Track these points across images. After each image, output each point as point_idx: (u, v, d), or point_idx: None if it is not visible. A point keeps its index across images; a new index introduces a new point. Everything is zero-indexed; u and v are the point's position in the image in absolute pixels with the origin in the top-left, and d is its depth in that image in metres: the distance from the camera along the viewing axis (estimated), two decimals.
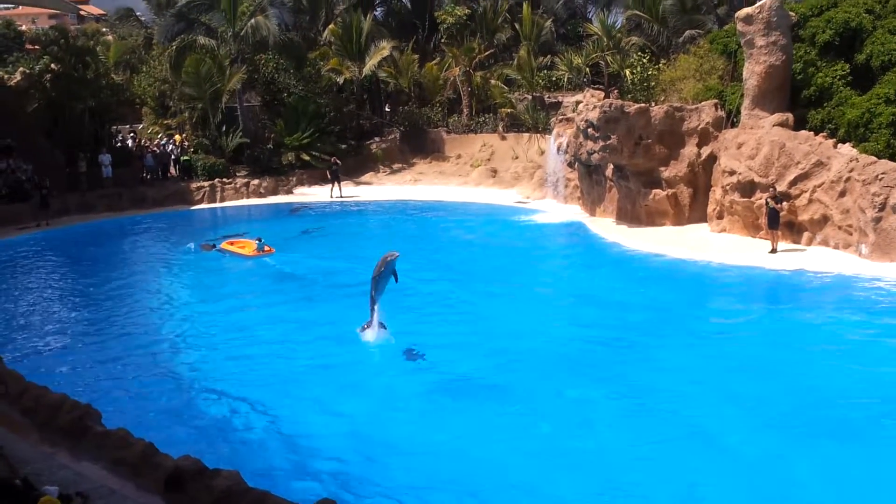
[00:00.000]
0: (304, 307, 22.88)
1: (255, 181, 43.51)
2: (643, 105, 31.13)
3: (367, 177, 46.12)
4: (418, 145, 48.15)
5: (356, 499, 12.29)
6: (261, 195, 43.13)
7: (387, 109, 53.06)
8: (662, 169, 30.13)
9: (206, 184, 42.51)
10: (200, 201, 42.01)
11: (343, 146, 46.10)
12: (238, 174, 44.29)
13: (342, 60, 48.11)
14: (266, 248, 29.72)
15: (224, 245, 31.02)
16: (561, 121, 37.92)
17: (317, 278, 26.42)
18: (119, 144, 45.23)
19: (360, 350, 18.78)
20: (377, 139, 49.41)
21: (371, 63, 47.44)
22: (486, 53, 48.56)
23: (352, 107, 49.74)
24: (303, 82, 46.68)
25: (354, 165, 46.01)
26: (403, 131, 48.82)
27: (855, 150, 25.18)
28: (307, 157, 44.89)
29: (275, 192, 43.55)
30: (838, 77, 27.56)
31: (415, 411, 15.50)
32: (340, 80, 48.58)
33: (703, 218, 29.55)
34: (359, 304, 19.75)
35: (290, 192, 43.94)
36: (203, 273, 28.44)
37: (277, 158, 44.75)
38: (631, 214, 31.03)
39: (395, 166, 47.41)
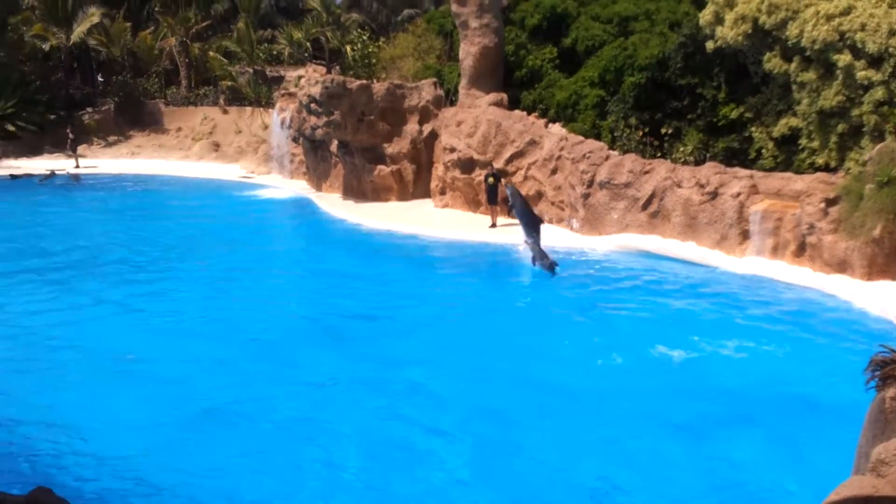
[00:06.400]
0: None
1: None
2: (365, 82, 30.25)
3: (80, 149, 41.83)
4: (135, 117, 44.53)
5: (74, 480, 10.72)
6: None
7: (99, 79, 48.54)
8: (386, 145, 29.55)
9: None
10: None
11: (52, 117, 42.05)
12: None
13: (47, 26, 43.58)
14: None
15: None
16: (284, 95, 36.47)
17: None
18: None
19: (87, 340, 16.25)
20: (90, 110, 45.23)
21: (79, 30, 43.20)
22: (204, 24, 45.78)
23: (60, 75, 45.38)
24: (4, 48, 41.92)
25: (65, 137, 41.85)
26: (118, 102, 44.92)
27: (564, 129, 25.70)
28: (13, 129, 40.39)
29: None
30: (547, 60, 28.06)
31: (140, 398, 13.36)
32: (46, 46, 44.06)
33: (427, 194, 29.26)
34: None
35: None
36: None
37: None
38: (357, 190, 30.20)
39: (111, 139, 43.62)
